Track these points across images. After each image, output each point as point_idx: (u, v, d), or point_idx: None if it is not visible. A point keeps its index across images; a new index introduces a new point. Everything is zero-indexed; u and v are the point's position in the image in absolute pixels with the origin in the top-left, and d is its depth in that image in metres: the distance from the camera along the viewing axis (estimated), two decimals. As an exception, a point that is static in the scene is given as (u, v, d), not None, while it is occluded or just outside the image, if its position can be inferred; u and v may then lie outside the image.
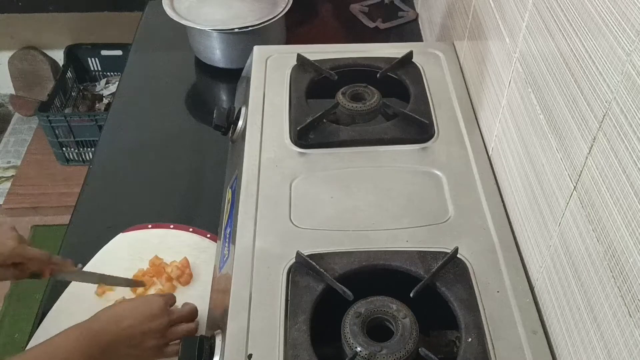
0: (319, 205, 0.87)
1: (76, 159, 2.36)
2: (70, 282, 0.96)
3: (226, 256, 0.86)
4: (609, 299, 0.57)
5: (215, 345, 0.74)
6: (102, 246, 1.03)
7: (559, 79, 0.68)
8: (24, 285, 2.08)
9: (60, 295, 0.95)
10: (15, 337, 1.94)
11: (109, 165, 1.23)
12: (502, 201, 0.88)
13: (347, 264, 0.78)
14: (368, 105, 1.00)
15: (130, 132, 1.30)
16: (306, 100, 1.03)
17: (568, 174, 0.66)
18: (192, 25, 1.35)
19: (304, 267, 0.77)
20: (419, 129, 0.97)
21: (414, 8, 1.61)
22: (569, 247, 0.66)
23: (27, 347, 0.88)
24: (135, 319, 0.80)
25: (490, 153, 0.95)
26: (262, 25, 1.34)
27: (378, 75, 1.07)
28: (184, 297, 0.91)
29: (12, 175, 2.40)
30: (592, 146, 0.61)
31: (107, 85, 2.58)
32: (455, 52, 1.16)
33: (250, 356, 0.69)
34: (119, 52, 2.48)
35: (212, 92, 1.47)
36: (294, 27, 1.51)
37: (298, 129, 0.96)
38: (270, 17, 1.35)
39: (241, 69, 1.25)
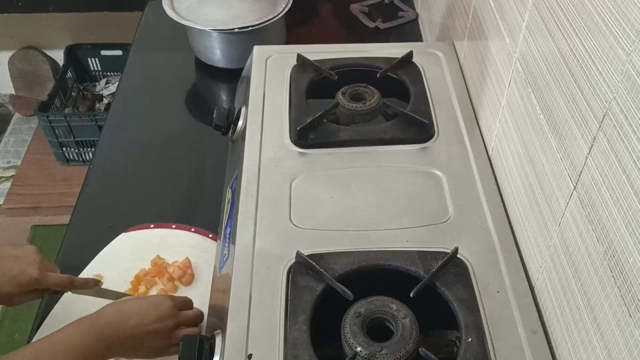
0: (319, 205, 0.87)
1: (76, 159, 2.36)
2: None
3: (226, 256, 0.87)
4: (609, 299, 0.57)
5: (215, 345, 0.74)
6: (102, 246, 1.03)
7: (559, 79, 0.68)
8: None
9: (60, 296, 0.95)
10: (15, 337, 1.94)
11: (109, 165, 1.23)
12: (502, 201, 0.88)
13: (347, 264, 0.78)
14: (368, 105, 1.00)
15: (130, 132, 1.30)
16: (306, 100, 1.03)
17: (568, 174, 0.66)
18: (192, 25, 1.35)
19: (304, 267, 0.77)
20: (419, 129, 0.97)
21: (414, 8, 1.61)
22: (569, 247, 0.66)
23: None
24: (142, 318, 0.79)
25: (490, 153, 0.95)
26: (262, 25, 1.34)
27: (378, 75, 1.07)
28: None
29: (12, 175, 2.40)
30: (592, 146, 0.61)
31: (107, 85, 2.58)
32: (455, 52, 1.16)
33: (250, 356, 0.69)
34: (119, 52, 2.48)
35: (212, 92, 1.47)
36: (294, 27, 1.51)
37: (298, 129, 0.96)
38: (270, 17, 1.35)
39: (241, 69, 1.25)
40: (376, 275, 0.78)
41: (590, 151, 0.61)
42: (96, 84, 2.61)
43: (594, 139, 0.60)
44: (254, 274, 0.78)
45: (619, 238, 0.55)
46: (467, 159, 0.94)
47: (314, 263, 0.76)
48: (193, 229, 1.05)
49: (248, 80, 1.11)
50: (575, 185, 0.65)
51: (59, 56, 2.61)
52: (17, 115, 2.71)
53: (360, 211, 0.86)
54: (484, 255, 0.80)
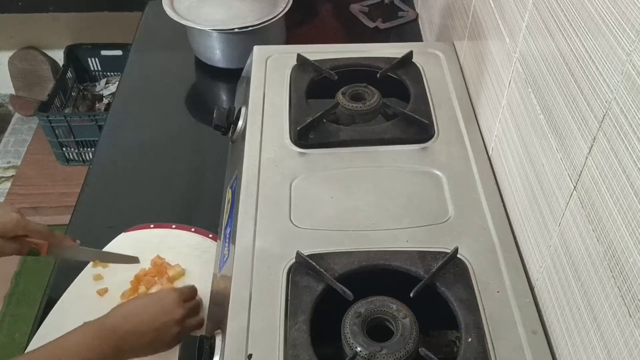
0: (319, 205, 0.87)
1: (76, 159, 2.36)
2: (71, 282, 0.96)
3: (226, 256, 0.87)
4: (609, 299, 0.57)
5: (215, 345, 0.74)
6: (102, 246, 1.03)
7: (559, 79, 0.68)
8: (24, 285, 2.08)
9: (61, 296, 0.95)
10: (15, 337, 1.94)
11: (109, 165, 1.23)
12: (502, 201, 0.88)
13: (347, 264, 0.78)
14: (368, 105, 1.00)
15: (130, 132, 1.30)
16: (306, 100, 1.03)
17: (568, 174, 0.66)
18: (192, 25, 1.35)
19: (304, 267, 0.77)
20: (419, 129, 0.97)
21: (414, 8, 1.61)
22: (569, 247, 0.66)
23: (28, 348, 0.88)
24: (148, 315, 0.80)
25: (490, 153, 0.95)
26: (262, 25, 1.34)
27: (378, 75, 1.07)
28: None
29: (12, 175, 2.40)
30: (592, 146, 0.61)
31: (107, 85, 2.58)
32: (455, 52, 1.16)
33: (250, 356, 0.69)
34: (119, 52, 2.47)
35: (212, 92, 1.47)
36: (294, 27, 1.51)
37: (298, 129, 0.96)
38: (270, 17, 1.35)
39: (241, 69, 1.25)
40: (376, 275, 0.78)
41: (590, 151, 0.61)
42: (96, 84, 2.61)
43: (594, 139, 0.60)
44: (254, 274, 0.78)
45: (619, 238, 0.55)
46: (467, 159, 0.94)
47: (314, 263, 0.76)
48: (193, 229, 1.05)
49: (248, 80, 1.11)
50: (575, 185, 0.65)
51: (59, 56, 2.61)
52: (17, 115, 2.71)
53: (360, 211, 0.86)
54: (484, 255, 0.80)
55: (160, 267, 0.98)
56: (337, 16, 1.63)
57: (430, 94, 1.05)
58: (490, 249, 0.81)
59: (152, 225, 1.06)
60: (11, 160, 2.51)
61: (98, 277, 0.97)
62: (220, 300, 0.82)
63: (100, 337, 0.76)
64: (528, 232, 0.79)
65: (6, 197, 2.29)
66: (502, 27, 0.89)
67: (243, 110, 1.06)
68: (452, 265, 0.78)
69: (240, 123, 1.05)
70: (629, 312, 0.53)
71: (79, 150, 2.34)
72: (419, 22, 1.56)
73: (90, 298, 0.94)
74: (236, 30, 1.34)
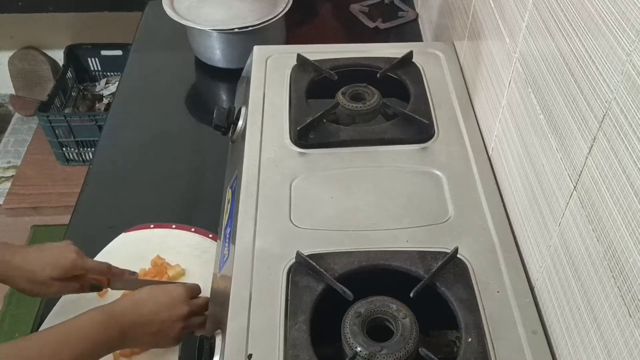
0: (319, 205, 0.87)
1: (76, 159, 2.36)
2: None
3: (226, 256, 0.87)
4: (609, 299, 0.57)
5: (215, 345, 0.74)
6: (102, 246, 1.03)
7: (559, 79, 0.68)
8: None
9: (61, 296, 0.95)
10: (15, 337, 1.93)
11: (109, 165, 1.23)
12: (502, 201, 0.88)
13: (347, 264, 0.78)
14: (368, 105, 1.00)
15: (130, 132, 1.30)
16: (306, 100, 1.03)
17: (568, 174, 0.66)
18: (192, 25, 1.35)
19: (304, 267, 0.77)
20: (419, 129, 0.97)
21: (414, 8, 1.61)
22: (569, 247, 0.66)
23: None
24: (156, 306, 0.82)
25: (490, 153, 0.95)
26: (262, 25, 1.34)
27: (378, 75, 1.07)
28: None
29: (12, 175, 2.40)
30: (592, 146, 0.61)
31: (107, 85, 2.58)
32: (455, 52, 1.16)
33: (250, 356, 0.69)
34: (119, 52, 2.47)
35: (212, 92, 1.47)
36: (294, 27, 1.51)
37: (298, 129, 0.96)
38: (270, 17, 1.35)
39: (241, 69, 1.25)
40: (376, 275, 0.78)
41: (590, 151, 0.61)
42: (96, 84, 2.61)
43: (594, 139, 0.60)
44: (254, 274, 0.78)
45: (619, 238, 0.55)
46: (467, 159, 0.94)
47: (314, 263, 0.76)
48: (193, 229, 1.05)
49: (248, 80, 1.11)
50: (575, 185, 0.65)
51: (59, 56, 2.61)
52: (17, 115, 2.71)
53: (360, 211, 0.86)
54: (484, 255, 0.80)
55: (160, 267, 0.99)
56: (337, 16, 1.63)
57: (430, 94, 1.05)
58: (490, 249, 0.81)
59: (152, 225, 1.06)
60: (11, 160, 2.51)
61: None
62: (220, 300, 0.82)
63: (108, 322, 0.77)
64: (528, 232, 0.79)
65: (6, 197, 2.29)
66: (502, 27, 0.89)
67: (243, 110, 1.06)
68: (452, 265, 0.78)
69: (240, 123, 1.05)
70: (629, 312, 0.53)
71: (79, 150, 2.34)
72: (419, 22, 1.56)
73: (90, 298, 0.94)
74: (236, 30, 1.34)
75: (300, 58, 1.11)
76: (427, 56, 1.14)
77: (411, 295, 0.73)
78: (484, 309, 0.73)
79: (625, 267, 0.54)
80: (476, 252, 0.80)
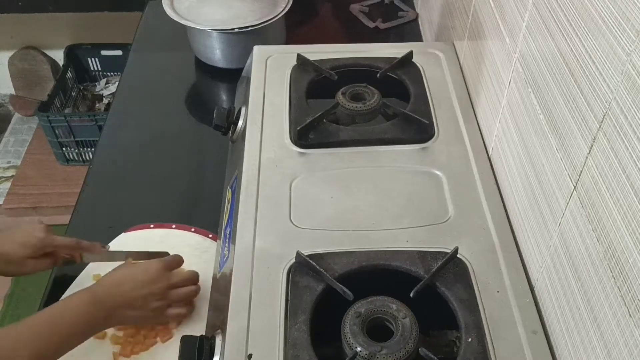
0: (319, 205, 0.87)
1: (76, 159, 2.36)
2: (72, 283, 0.96)
3: (226, 256, 0.87)
4: (609, 299, 0.57)
5: (215, 345, 0.74)
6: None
7: (559, 79, 0.68)
8: (24, 285, 2.08)
9: (60, 296, 0.95)
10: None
11: (109, 165, 1.23)
12: (502, 201, 0.88)
13: (347, 264, 0.78)
14: (368, 105, 1.00)
15: (130, 132, 1.30)
16: (306, 100, 1.03)
17: (568, 174, 0.66)
18: (192, 25, 1.35)
19: (304, 267, 0.77)
20: (419, 129, 0.97)
21: (414, 8, 1.61)
22: (569, 247, 0.66)
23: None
24: (135, 283, 0.84)
25: (490, 153, 0.95)
26: (262, 25, 1.34)
27: (378, 75, 1.07)
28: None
29: (12, 175, 2.40)
30: (592, 146, 0.61)
31: (107, 85, 2.58)
32: (455, 52, 1.16)
33: (250, 356, 0.69)
34: (119, 52, 2.47)
35: (212, 92, 1.47)
36: (294, 27, 1.51)
37: (298, 129, 0.96)
38: (270, 17, 1.35)
39: (241, 69, 1.25)
40: (376, 275, 0.78)
41: (590, 151, 0.61)
42: (96, 84, 2.61)
43: (594, 139, 0.60)
44: (254, 274, 0.78)
45: (619, 238, 0.55)
46: (467, 159, 0.94)
47: (314, 263, 0.76)
48: (193, 229, 1.05)
49: (248, 80, 1.11)
50: (575, 185, 0.65)
51: (59, 56, 2.61)
52: (17, 115, 2.71)
53: (360, 211, 0.86)
54: (484, 255, 0.80)
55: (160, 267, 0.98)
56: (337, 16, 1.63)
57: (430, 94, 1.05)
58: (490, 249, 0.81)
59: (152, 225, 1.06)
60: (11, 160, 2.51)
61: (98, 277, 0.97)
62: (220, 300, 0.82)
63: (94, 304, 0.80)
64: (528, 232, 0.79)
65: (6, 197, 2.29)
66: (502, 27, 0.89)
67: (243, 110, 1.06)
68: (452, 265, 0.78)
69: (240, 123, 1.05)
70: (629, 312, 0.53)
71: (79, 150, 2.34)
72: (419, 22, 1.56)
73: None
74: (236, 30, 1.34)
75: (300, 58, 1.11)
76: (427, 56, 1.14)
77: (411, 295, 0.73)
78: (484, 309, 0.73)
79: (625, 267, 0.54)
80: (476, 252, 0.80)
